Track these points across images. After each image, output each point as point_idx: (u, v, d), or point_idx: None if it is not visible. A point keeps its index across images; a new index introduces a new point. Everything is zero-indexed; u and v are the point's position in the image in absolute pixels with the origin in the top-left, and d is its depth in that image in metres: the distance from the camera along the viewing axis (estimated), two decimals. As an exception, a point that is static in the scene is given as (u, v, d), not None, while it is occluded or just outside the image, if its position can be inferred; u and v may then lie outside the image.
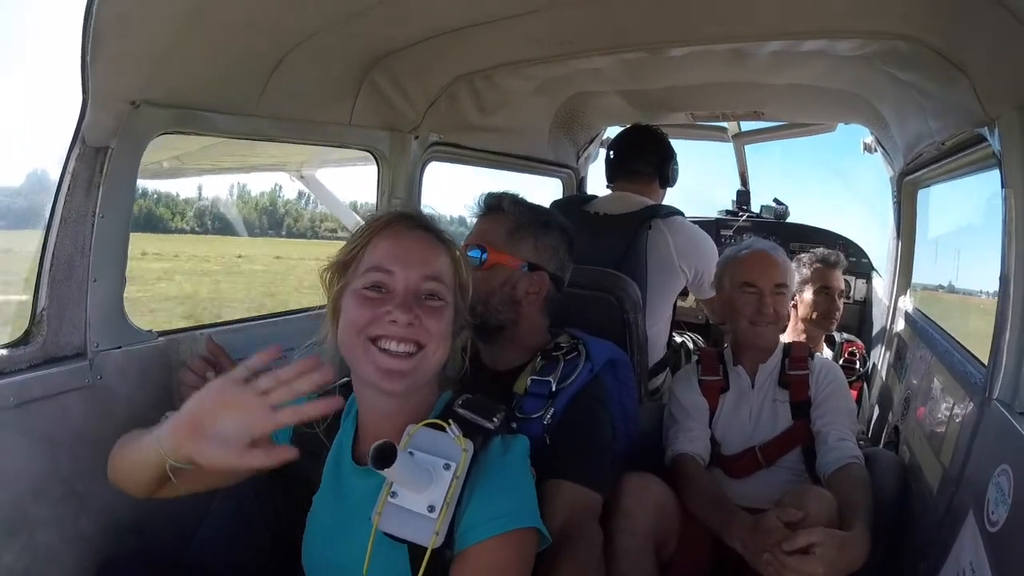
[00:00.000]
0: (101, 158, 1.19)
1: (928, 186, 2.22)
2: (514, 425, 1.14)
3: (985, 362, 1.38)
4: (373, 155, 1.94)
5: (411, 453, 0.94)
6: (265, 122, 1.53)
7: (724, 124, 3.16)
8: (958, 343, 1.68)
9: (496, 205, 1.48)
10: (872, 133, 2.45)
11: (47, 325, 1.19)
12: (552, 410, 1.31)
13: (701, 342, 2.79)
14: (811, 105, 2.46)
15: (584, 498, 1.23)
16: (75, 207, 1.19)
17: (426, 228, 1.06)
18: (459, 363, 1.12)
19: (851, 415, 1.75)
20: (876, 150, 2.50)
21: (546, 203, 2.05)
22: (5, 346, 1.17)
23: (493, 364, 1.46)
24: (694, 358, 2.49)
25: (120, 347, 1.29)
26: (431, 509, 0.91)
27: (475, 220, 1.51)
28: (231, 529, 1.25)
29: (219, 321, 1.56)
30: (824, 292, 2.45)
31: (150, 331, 1.37)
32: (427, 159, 2.03)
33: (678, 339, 2.67)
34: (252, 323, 1.60)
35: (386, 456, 0.85)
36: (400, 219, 1.06)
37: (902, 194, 2.34)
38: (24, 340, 1.19)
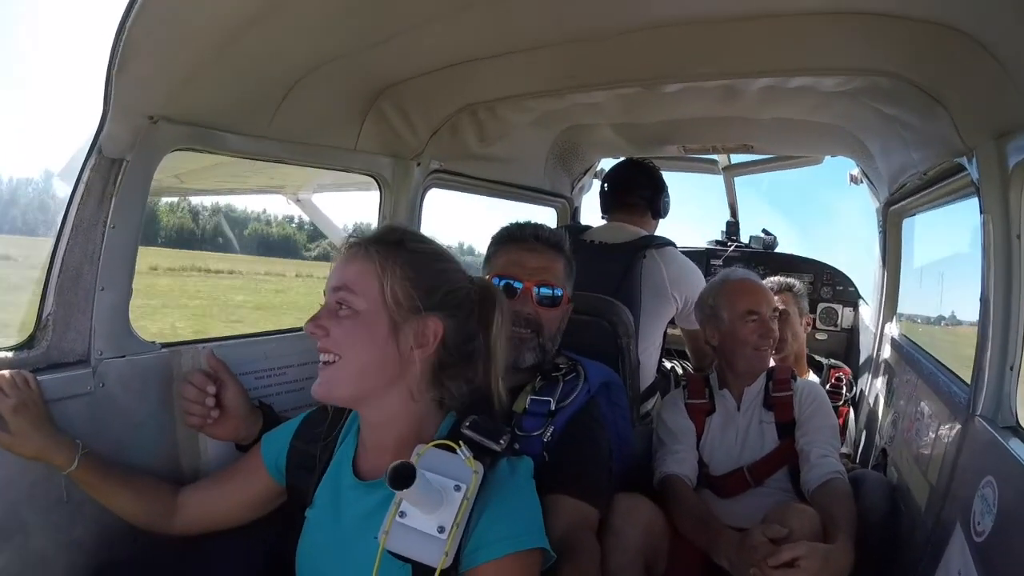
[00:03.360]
0: (116, 170, 1.21)
1: (912, 215, 2.29)
2: (517, 445, 1.16)
3: (960, 377, 1.43)
4: (376, 180, 1.98)
5: (421, 473, 0.95)
6: (275, 144, 1.56)
7: (715, 157, 3.23)
8: (943, 365, 1.72)
9: (557, 244, 1.52)
10: (858, 165, 2.53)
11: (52, 330, 1.20)
12: (552, 428, 1.34)
13: (690, 368, 2.82)
14: (799, 138, 2.53)
15: (582, 512, 1.25)
16: (87, 216, 1.21)
17: (362, 244, 1.08)
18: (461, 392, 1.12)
19: (834, 432, 1.79)
20: (862, 181, 2.58)
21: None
22: (9, 349, 1.17)
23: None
24: (682, 383, 2.52)
25: (124, 356, 1.30)
26: (441, 530, 0.92)
27: (507, 248, 1.52)
28: (224, 539, 1.24)
29: (221, 336, 1.56)
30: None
31: (153, 342, 1.37)
32: (428, 185, 2.07)
33: (667, 364, 2.71)
34: (254, 339, 1.61)
35: (404, 477, 0.85)
36: (347, 243, 1.10)
37: (887, 223, 2.41)
38: (28, 344, 1.19)
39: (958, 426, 1.35)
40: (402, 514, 0.94)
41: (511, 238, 1.53)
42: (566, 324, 1.54)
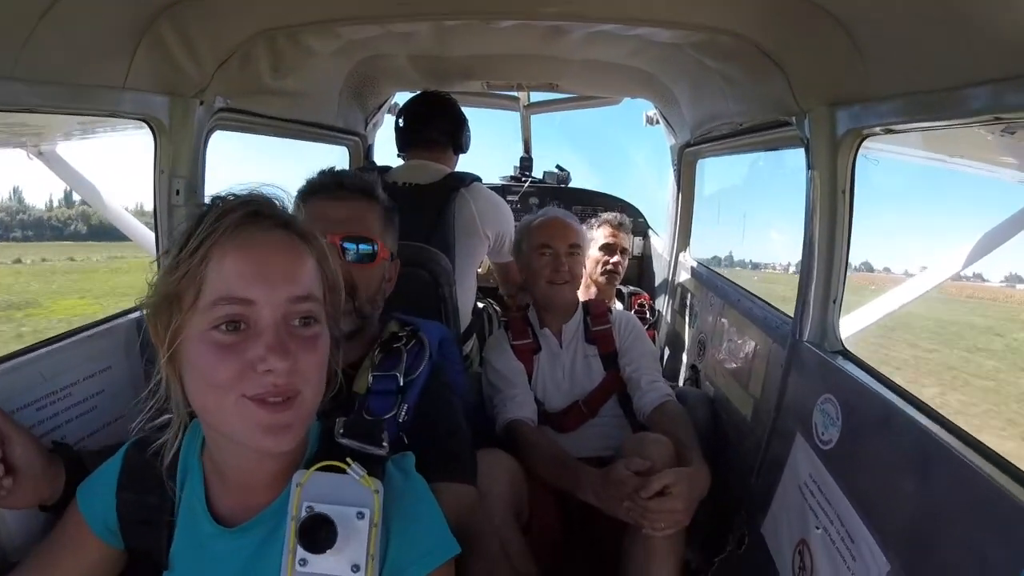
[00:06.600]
0: None
1: (707, 157, 2.59)
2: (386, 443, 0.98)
3: (773, 306, 1.70)
4: (149, 125, 1.54)
5: (310, 508, 0.79)
6: (24, 87, 1.11)
7: (516, 94, 3.21)
8: (747, 291, 2.02)
9: (366, 190, 1.34)
10: (656, 108, 2.74)
11: None
12: (405, 406, 1.22)
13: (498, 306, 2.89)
14: (605, 80, 2.62)
15: (465, 495, 1.19)
16: None
17: (285, 224, 0.82)
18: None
19: (655, 357, 2.01)
20: (658, 122, 2.82)
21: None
22: None
23: None
24: (498, 323, 2.60)
25: None
26: (356, 569, 0.78)
27: (311, 201, 1.31)
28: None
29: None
30: (607, 249, 2.73)
31: None
32: (212, 127, 1.69)
33: (479, 305, 2.74)
34: (24, 357, 1.17)
35: (324, 534, 0.75)
36: (250, 220, 0.79)
37: (682, 163, 2.70)
38: None
39: (779, 348, 1.60)
40: (303, 561, 0.78)
41: (313, 189, 1.34)
42: (394, 285, 1.41)
